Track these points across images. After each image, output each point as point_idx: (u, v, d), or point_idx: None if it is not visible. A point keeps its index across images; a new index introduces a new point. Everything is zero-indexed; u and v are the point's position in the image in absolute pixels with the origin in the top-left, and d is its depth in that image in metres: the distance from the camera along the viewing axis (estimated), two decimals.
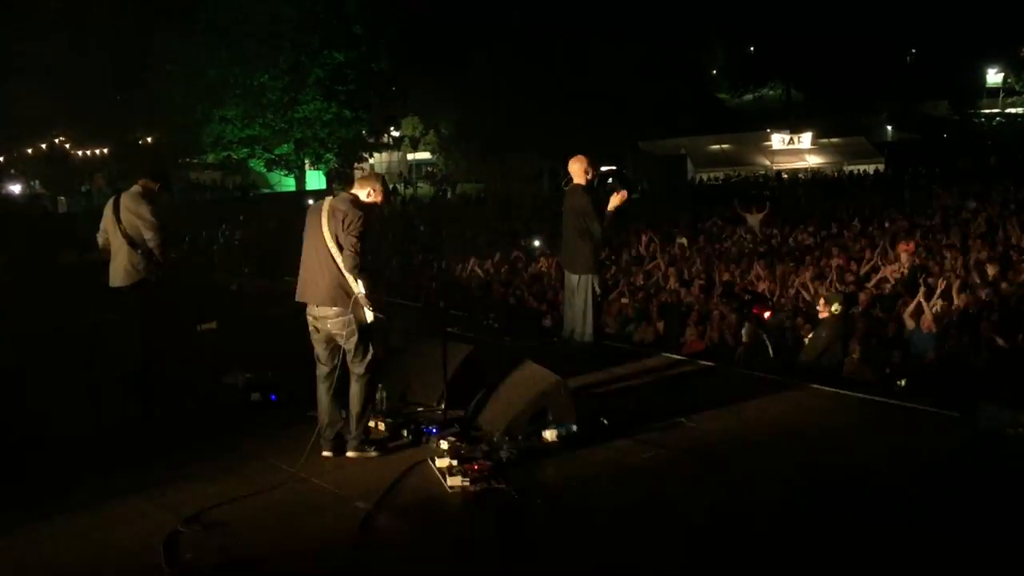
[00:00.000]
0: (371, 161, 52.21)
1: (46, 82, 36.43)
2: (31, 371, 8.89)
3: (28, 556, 4.95)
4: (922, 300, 10.30)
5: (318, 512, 5.37)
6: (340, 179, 42.99)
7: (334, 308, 6.06)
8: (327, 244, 6.02)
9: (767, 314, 11.27)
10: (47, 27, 36.83)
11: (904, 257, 13.69)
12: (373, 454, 6.25)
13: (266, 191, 43.63)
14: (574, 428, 6.48)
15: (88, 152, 49.39)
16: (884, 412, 7.27)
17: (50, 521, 5.29)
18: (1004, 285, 11.69)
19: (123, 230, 7.07)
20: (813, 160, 46.48)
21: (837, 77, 55.15)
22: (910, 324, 10.10)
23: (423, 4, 41.41)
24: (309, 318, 6.25)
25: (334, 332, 6.14)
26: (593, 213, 8.73)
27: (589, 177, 8.88)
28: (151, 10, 36.76)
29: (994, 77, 62.26)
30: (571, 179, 8.97)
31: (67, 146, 49.15)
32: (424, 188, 50.10)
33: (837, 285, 12.44)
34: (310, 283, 6.16)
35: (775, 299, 12.43)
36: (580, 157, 8.92)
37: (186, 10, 36.55)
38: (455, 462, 5.79)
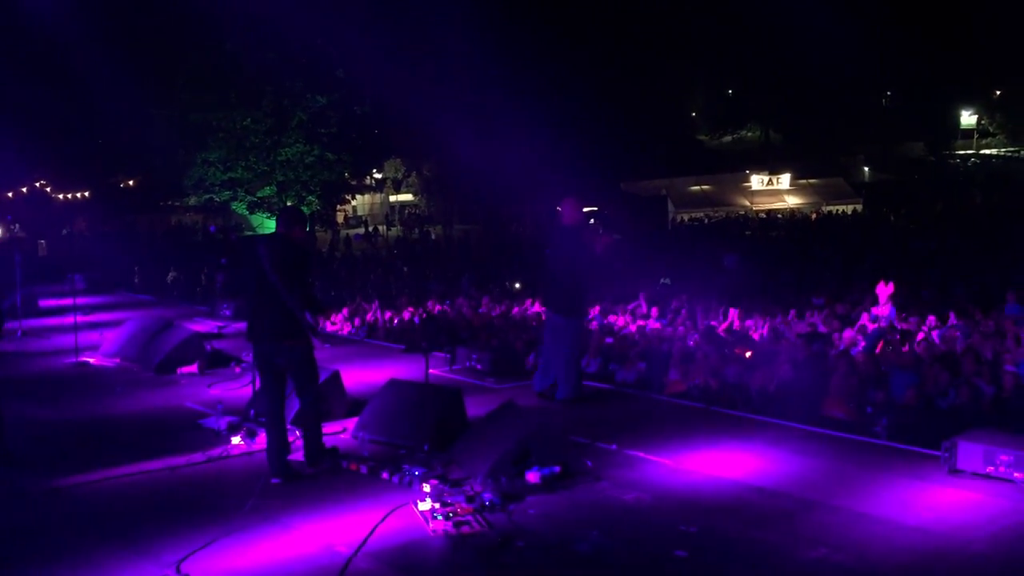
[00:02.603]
0: (353, 203, 52.24)
1: (27, 125, 36.40)
2: None
3: None
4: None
5: (300, 556, 5.32)
6: (322, 221, 42.99)
7: (286, 342, 6.55)
8: (274, 281, 6.47)
9: (748, 354, 11.32)
10: (28, 70, 36.91)
11: (884, 298, 13.81)
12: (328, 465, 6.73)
13: (249, 233, 43.59)
14: (557, 470, 6.48)
15: (69, 195, 49.27)
16: (864, 452, 7.32)
17: None
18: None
19: None
20: (792, 201, 46.89)
21: (814, 119, 55.85)
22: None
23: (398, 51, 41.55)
24: (259, 353, 6.76)
25: (286, 363, 6.65)
26: (585, 255, 8.70)
27: (579, 218, 8.88)
28: (134, 57, 36.89)
29: (968, 119, 63.18)
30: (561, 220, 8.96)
31: (48, 189, 49.02)
32: (395, 230, 50.10)
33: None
34: (263, 320, 6.63)
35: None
36: (571, 198, 8.92)
37: (171, 59, 36.74)
38: (438, 504, 5.77)
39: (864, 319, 13.26)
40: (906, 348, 11.04)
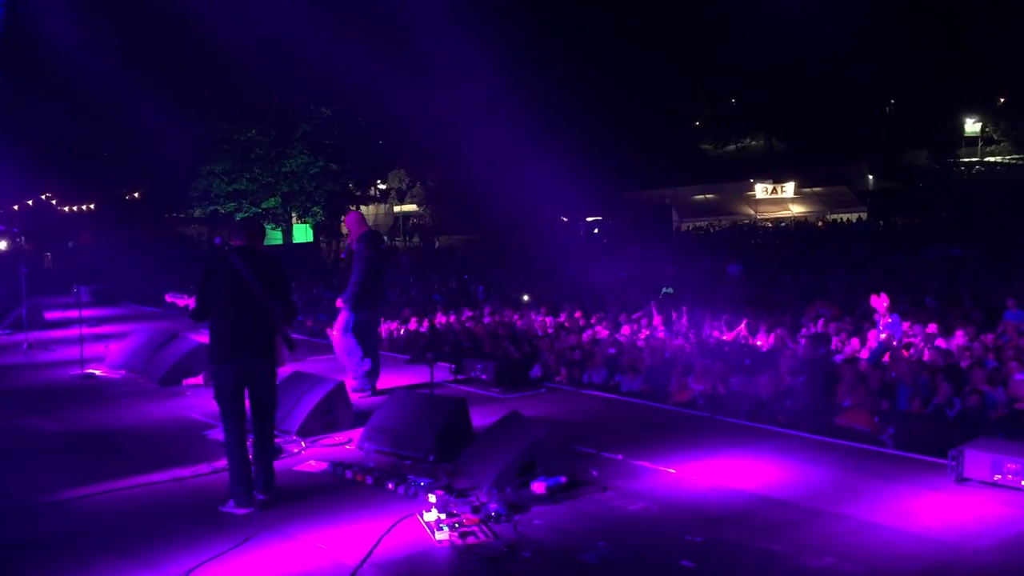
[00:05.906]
0: None
1: (32, 138, 36.54)
2: None
3: None
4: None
5: (306, 568, 5.32)
6: (325, 232, 43.07)
7: (266, 360, 6.34)
8: (258, 296, 6.24)
9: (747, 362, 11.31)
10: (33, 84, 37.07)
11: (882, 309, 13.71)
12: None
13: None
14: (563, 480, 6.47)
15: (74, 208, 49.42)
16: (871, 461, 7.30)
17: None
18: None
19: None
20: (796, 209, 46.91)
21: (818, 128, 55.83)
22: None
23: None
24: (234, 371, 6.31)
25: (259, 382, 6.36)
26: (361, 260, 9.68)
27: (358, 231, 9.84)
28: (139, 70, 37.04)
29: (972, 126, 63.09)
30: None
31: (53, 202, 49.17)
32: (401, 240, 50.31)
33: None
34: (243, 336, 6.31)
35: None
36: (352, 213, 10.40)
37: (176, 72, 36.86)
38: (443, 515, 5.76)
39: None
40: (912, 357, 11.01)
